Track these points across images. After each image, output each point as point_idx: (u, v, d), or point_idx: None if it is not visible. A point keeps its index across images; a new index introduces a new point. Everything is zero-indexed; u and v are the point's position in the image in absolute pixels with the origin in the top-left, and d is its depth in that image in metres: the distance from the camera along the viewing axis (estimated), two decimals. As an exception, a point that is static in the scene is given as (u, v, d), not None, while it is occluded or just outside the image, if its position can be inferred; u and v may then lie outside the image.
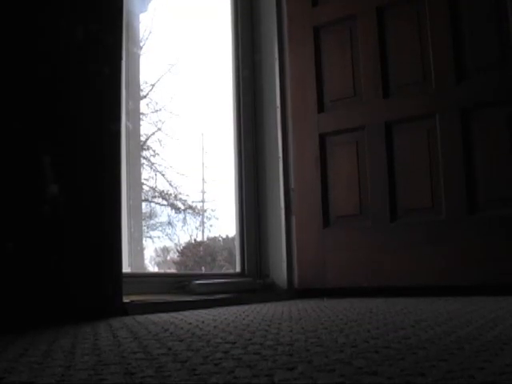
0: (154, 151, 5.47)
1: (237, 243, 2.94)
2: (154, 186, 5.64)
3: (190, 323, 1.41)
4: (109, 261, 1.72)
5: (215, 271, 5.11)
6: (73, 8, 1.68)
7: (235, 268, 2.95)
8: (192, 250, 5.66)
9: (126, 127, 2.67)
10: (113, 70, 1.79)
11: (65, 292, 1.56)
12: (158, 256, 5.81)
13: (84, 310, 1.59)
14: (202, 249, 5.68)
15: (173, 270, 5.46)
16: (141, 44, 4.11)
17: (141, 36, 4.14)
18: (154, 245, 5.71)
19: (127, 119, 2.70)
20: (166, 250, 5.89)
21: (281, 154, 2.91)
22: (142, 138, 4.99)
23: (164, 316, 1.69)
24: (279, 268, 2.85)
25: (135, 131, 3.12)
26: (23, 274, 1.46)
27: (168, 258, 5.86)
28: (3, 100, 1.47)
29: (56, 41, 1.64)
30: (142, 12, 3.47)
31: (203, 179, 6.02)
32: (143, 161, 5.11)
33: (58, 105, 1.62)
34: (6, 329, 1.32)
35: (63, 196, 1.57)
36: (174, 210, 5.82)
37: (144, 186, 5.18)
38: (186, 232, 5.95)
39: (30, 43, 1.54)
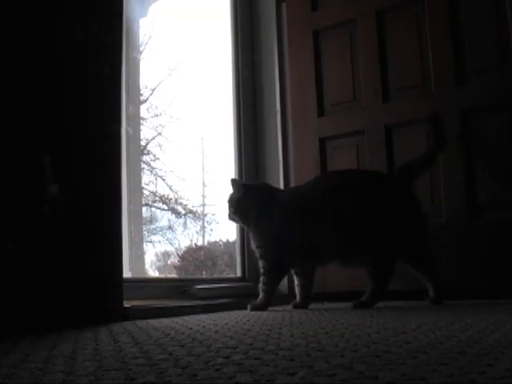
0: (154, 156, 5.47)
1: (237, 247, 2.94)
2: (155, 191, 5.64)
3: (191, 328, 1.41)
4: (109, 261, 1.71)
5: (216, 276, 5.10)
6: (73, 8, 1.68)
7: (236, 272, 2.94)
8: (192, 255, 5.66)
9: (127, 132, 2.67)
10: (113, 70, 1.80)
11: (65, 292, 1.56)
12: (158, 260, 5.80)
13: (84, 310, 1.58)
14: (202, 253, 5.67)
15: (173, 275, 5.46)
16: (141, 49, 4.12)
17: (141, 41, 4.15)
18: (154, 249, 5.70)
19: (127, 124, 2.70)
20: (166, 255, 5.89)
21: (281, 158, 2.91)
22: (143, 143, 4.99)
23: (165, 321, 1.68)
24: (280, 272, 2.83)
25: (135, 136, 3.13)
26: (23, 274, 1.46)
27: (169, 262, 5.86)
28: (3, 100, 1.47)
29: (56, 41, 1.64)
30: (141, 17, 3.49)
31: (203, 183, 6.02)
32: (143, 165, 5.11)
33: (58, 105, 1.62)
34: (6, 330, 1.32)
35: (63, 196, 1.57)
36: (174, 215, 5.82)
37: (144, 191, 5.18)
38: (187, 236, 5.95)
39: (30, 43, 1.55)
